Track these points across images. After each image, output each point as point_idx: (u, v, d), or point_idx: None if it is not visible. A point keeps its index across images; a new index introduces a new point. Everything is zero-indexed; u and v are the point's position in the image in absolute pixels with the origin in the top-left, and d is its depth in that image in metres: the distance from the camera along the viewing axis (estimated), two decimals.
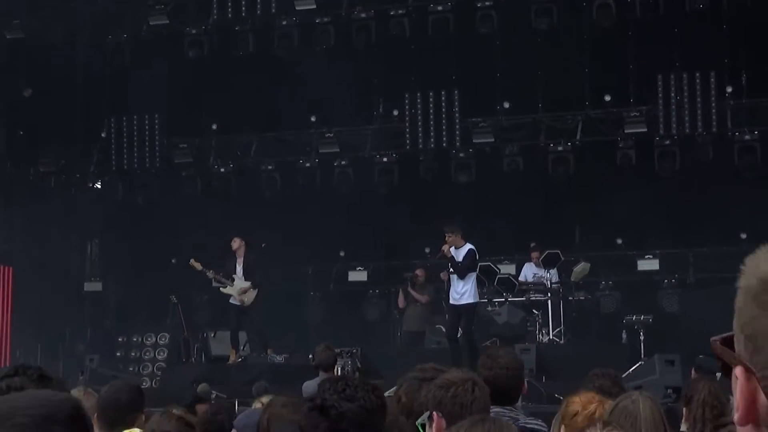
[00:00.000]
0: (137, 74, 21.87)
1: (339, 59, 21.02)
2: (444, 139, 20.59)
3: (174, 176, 22.57)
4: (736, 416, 1.66)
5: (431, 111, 20.60)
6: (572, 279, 19.22)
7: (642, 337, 17.48)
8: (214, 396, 14.30)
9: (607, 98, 20.46)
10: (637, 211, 19.86)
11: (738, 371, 1.65)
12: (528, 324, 18.54)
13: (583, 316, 19.32)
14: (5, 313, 21.68)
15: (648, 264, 20.17)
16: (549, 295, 18.63)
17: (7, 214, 22.51)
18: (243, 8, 21.35)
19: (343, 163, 21.38)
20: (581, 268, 19.11)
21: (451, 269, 16.09)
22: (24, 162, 23.05)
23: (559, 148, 20.47)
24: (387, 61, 21.55)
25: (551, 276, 18.79)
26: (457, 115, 20.55)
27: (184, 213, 22.09)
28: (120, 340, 21.90)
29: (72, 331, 22.72)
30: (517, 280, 19.08)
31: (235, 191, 22.02)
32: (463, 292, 15.88)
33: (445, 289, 18.11)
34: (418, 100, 20.67)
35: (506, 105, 20.87)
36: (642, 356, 16.38)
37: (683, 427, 6.30)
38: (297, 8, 21.11)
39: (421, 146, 20.76)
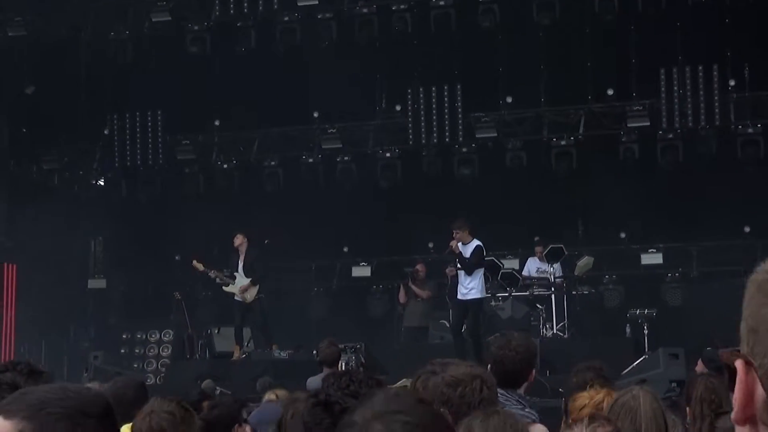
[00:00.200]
0: (140, 71, 21.88)
1: (341, 55, 21.02)
2: (447, 134, 20.59)
3: (177, 173, 22.59)
4: (733, 414, 1.64)
5: (434, 106, 20.61)
6: (576, 273, 19.20)
7: (646, 331, 17.47)
8: (218, 392, 14.32)
9: (610, 92, 20.46)
10: (640, 205, 19.85)
11: (738, 365, 1.64)
12: (532, 318, 18.53)
13: (586, 311, 19.31)
14: (9, 310, 21.70)
15: (651, 258, 20.16)
16: (553, 289, 18.62)
17: (11, 211, 22.50)
18: (245, 4, 21.36)
19: (346, 158, 21.39)
20: (585, 262, 19.10)
21: (459, 265, 16.08)
22: (27, 159, 23.07)
23: (562, 143, 20.48)
24: (389, 57, 21.55)
25: (555, 270, 18.77)
26: (459, 109, 20.55)
27: (187, 209, 22.09)
28: (124, 336, 21.91)
29: (76, 328, 22.75)
30: (521, 274, 19.07)
31: (238, 187, 22.04)
32: (470, 287, 15.88)
33: (448, 284, 18.13)
34: (421, 95, 20.67)
35: (509, 99, 20.86)
36: (646, 350, 16.36)
37: (691, 427, 6.29)
38: (299, 4, 21.13)
39: (424, 141, 20.77)
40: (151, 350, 21.64)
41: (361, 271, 21.56)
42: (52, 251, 21.60)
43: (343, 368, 13.74)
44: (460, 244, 15.86)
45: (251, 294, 18.31)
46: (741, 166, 19.51)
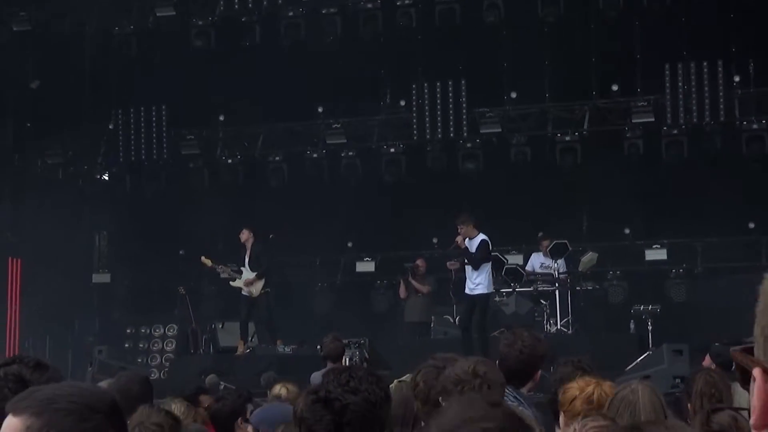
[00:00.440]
0: (144, 66, 21.90)
1: (346, 50, 21.01)
2: (451, 129, 20.58)
3: (181, 168, 22.59)
4: (752, 420, 1.65)
5: (438, 101, 20.59)
6: (580, 269, 19.20)
7: (650, 327, 17.47)
8: (222, 387, 14.33)
9: (615, 88, 20.44)
10: (644, 200, 19.86)
11: (756, 372, 1.65)
12: (536, 314, 18.53)
13: (590, 306, 19.31)
14: (14, 305, 21.73)
15: (656, 254, 20.15)
16: (557, 285, 18.62)
17: (16, 206, 22.53)
18: None
19: (350, 153, 21.39)
20: (589, 258, 19.09)
21: (466, 260, 16.06)
22: (32, 154, 23.08)
23: (567, 138, 20.46)
24: (394, 52, 21.54)
25: (559, 266, 18.78)
26: (464, 105, 20.53)
27: (191, 204, 22.11)
28: (128, 331, 21.96)
29: (81, 323, 22.77)
30: (525, 270, 19.07)
31: (242, 182, 22.04)
32: (477, 282, 15.87)
33: (452, 279, 18.13)
34: (426, 91, 20.66)
35: (513, 95, 20.85)
36: (650, 346, 16.37)
37: (691, 422, 6.29)
38: None
39: (428, 136, 20.75)
40: (156, 345, 21.69)
41: (366, 266, 21.56)
42: (57, 246, 21.62)
43: (347, 363, 13.76)
44: (466, 239, 15.86)
45: (257, 288, 18.34)
46: (746, 162, 19.49)
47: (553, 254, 18.76)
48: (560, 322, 18.26)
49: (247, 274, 18.39)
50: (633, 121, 19.99)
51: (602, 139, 20.51)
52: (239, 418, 6.90)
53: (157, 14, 21.73)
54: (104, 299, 23.35)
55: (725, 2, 19.77)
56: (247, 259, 18.43)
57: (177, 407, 6.55)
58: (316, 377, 10.80)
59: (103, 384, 6.36)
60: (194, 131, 22.26)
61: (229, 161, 22.22)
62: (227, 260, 19.01)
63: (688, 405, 6.69)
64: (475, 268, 15.85)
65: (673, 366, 13.34)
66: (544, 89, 20.84)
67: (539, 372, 5.97)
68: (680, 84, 19.47)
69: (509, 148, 20.80)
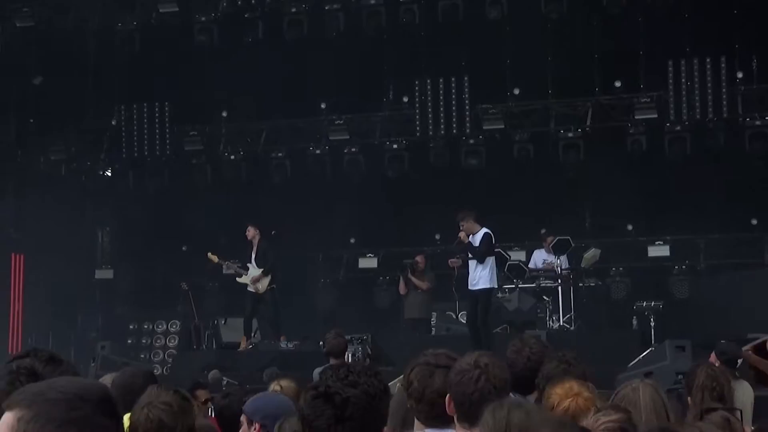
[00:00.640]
0: (147, 62, 21.90)
1: (349, 46, 21.02)
2: (454, 125, 20.58)
3: (184, 164, 22.61)
4: None
5: (441, 97, 20.59)
6: (582, 265, 19.20)
7: (652, 324, 17.47)
8: (225, 383, 14.35)
9: (618, 84, 20.42)
10: (647, 197, 19.85)
11: None
12: (538, 310, 18.54)
13: (593, 303, 19.30)
14: (17, 301, 21.77)
15: (658, 250, 20.15)
16: (559, 281, 18.61)
17: (19, 202, 22.55)
18: None
19: (353, 150, 21.40)
20: (591, 254, 19.09)
21: (470, 255, 16.05)
22: (35, 150, 23.11)
23: (570, 135, 20.45)
24: (397, 48, 21.53)
25: (561, 262, 18.77)
26: (467, 101, 20.53)
27: (194, 200, 22.14)
28: (131, 327, 21.99)
29: (83, 318, 22.79)
30: (528, 266, 19.07)
31: (245, 178, 22.05)
32: (479, 277, 15.85)
33: (455, 275, 18.13)
34: (428, 87, 20.65)
35: (516, 91, 20.84)
36: (652, 342, 16.36)
37: (689, 415, 6.30)
38: None
39: (431, 133, 20.75)
40: (158, 341, 21.71)
41: (368, 262, 21.58)
42: (60, 241, 21.66)
43: (350, 359, 13.77)
44: (469, 235, 15.85)
45: (263, 285, 18.37)
46: (748, 159, 19.48)
47: (556, 250, 18.75)
48: (562, 318, 18.26)
49: (254, 270, 18.41)
50: (636, 117, 19.98)
51: (605, 136, 20.50)
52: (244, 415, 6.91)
53: (160, 10, 21.74)
54: (107, 295, 23.39)
55: None
56: (253, 256, 18.46)
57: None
58: (318, 373, 10.81)
59: (107, 378, 6.37)
60: (197, 127, 22.27)
61: (232, 157, 22.24)
62: (230, 256, 19.03)
63: (688, 399, 6.70)
64: (481, 261, 15.82)
65: (676, 362, 13.33)
66: (546, 85, 20.84)
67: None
68: (683, 80, 19.46)
69: (512, 144, 20.79)
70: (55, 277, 22.10)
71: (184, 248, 22.67)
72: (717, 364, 9.78)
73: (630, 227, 20.73)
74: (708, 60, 19.30)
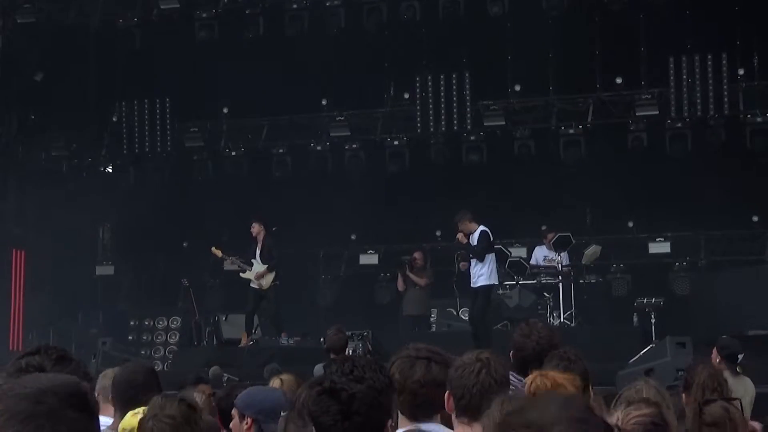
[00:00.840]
0: (148, 58, 21.89)
1: (350, 42, 21.01)
2: (455, 122, 20.57)
3: (185, 160, 22.61)
4: None
5: (442, 94, 20.59)
6: (583, 262, 19.20)
7: (653, 320, 17.45)
8: (226, 379, 14.35)
9: (619, 81, 20.41)
10: (648, 193, 19.84)
11: None
12: (539, 307, 18.53)
13: (594, 299, 19.30)
14: (18, 297, 21.77)
15: (659, 247, 20.15)
16: (560, 278, 18.62)
17: (20, 198, 22.56)
18: None
19: (354, 146, 21.40)
20: (592, 250, 19.09)
21: (471, 254, 16.13)
22: (36, 146, 23.11)
23: (570, 131, 20.45)
24: (398, 44, 21.52)
25: (562, 259, 18.78)
26: (468, 98, 20.53)
27: (195, 197, 22.14)
28: (132, 323, 21.99)
29: (84, 315, 22.79)
30: (528, 263, 19.08)
31: (246, 175, 22.05)
32: (480, 274, 15.96)
33: (455, 272, 18.14)
34: (429, 83, 20.65)
35: (517, 88, 20.83)
36: (653, 339, 16.35)
37: (688, 411, 6.29)
38: None
39: (432, 129, 20.75)
40: (159, 337, 21.72)
41: (369, 258, 21.59)
42: (61, 238, 21.67)
43: (350, 355, 13.76)
44: (469, 235, 15.95)
45: (267, 280, 18.35)
46: (750, 156, 19.48)
47: (557, 247, 18.75)
48: (563, 315, 18.26)
49: (258, 266, 18.38)
50: (637, 114, 19.98)
51: (606, 132, 20.51)
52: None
53: (161, 6, 21.72)
54: (108, 291, 23.39)
55: None
56: (258, 252, 18.43)
57: (199, 396, 6.55)
58: (319, 369, 10.83)
59: (108, 371, 6.38)
60: (198, 123, 22.27)
61: (233, 154, 22.24)
62: (230, 252, 19.00)
63: (683, 396, 6.70)
64: (481, 260, 15.91)
65: (676, 359, 13.34)
66: (548, 82, 20.83)
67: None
68: (684, 77, 19.44)
69: (513, 140, 20.80)
70: (56, 273, 22.12)
71: (185, 244, 22.68)
72: (718, 360, 9.80)
73: (631, 224, 20.73)
74: (709, 56, 19.28)
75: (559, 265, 18.68)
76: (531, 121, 20.88)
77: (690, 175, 19.41)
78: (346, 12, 21.29)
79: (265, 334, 19.17)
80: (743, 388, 9.62)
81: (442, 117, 20.60)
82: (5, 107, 22.65)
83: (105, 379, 6.13)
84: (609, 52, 20.37)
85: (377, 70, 21.55)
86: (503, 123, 20.68)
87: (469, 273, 16.33)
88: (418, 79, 20.80)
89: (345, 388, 3.27)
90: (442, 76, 20.59)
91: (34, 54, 22.33)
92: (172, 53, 21.55)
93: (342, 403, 3.26)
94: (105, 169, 24.06)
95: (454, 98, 20.52)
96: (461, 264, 17.50)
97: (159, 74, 21.68)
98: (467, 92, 20.51)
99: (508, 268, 18.53)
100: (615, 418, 4.29)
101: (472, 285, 16.18)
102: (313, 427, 3.33)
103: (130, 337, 21.65)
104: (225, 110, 22.38)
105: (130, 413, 5.27)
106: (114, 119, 22.64)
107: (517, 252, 19.70)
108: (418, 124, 20.82)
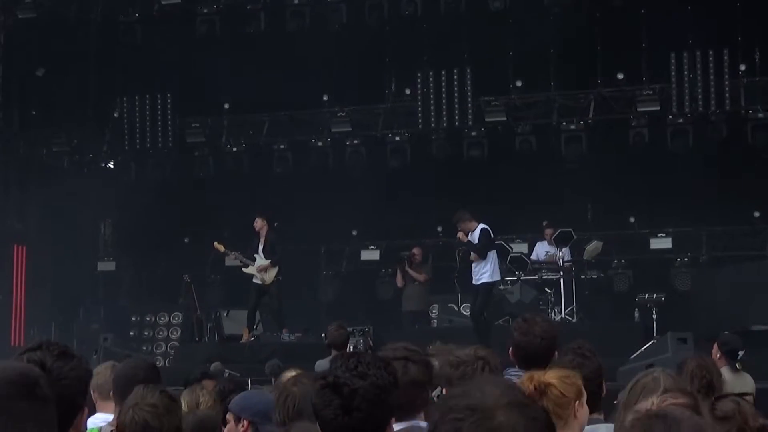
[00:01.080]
0: (149, 53, 21.87)
1: (351, 38, 21.00)
2: (456, 117, 20.56)
3: (186, 156, 22.61)
4: None
5: (443, 89, 20.57)
6: (584, 257, 19.22)
7: (654, 316, 17.47)
8: (227, 374, 14.36)
9: (620, 76, 20.39)
10: (649, 189, 19.84)
11: None
12: (540, 302, 18.55)
13: (595, 295, 19.32)
14: (20, 292, 21.78)
15: (660, 242, 20.15)
16: (561, 273, 18.64)
17: (21, 194, 22.55)
18: None
19: (355, 142, 21.40)
20: (594, 246, 19.10)
21: (472, 253, 16.16)
22: (37, 142, 23.09)
23: (572, 127, 20.45)
24: (399, 40, 21.50)
25: (563, 254, 18.79)
26: (469, 93, 20.52)
27: (196, 192, 22.14)
28: (133, 319, 22.00)
29: (85, 311, 22.82)
30: (530, 258, 19.09)
31: (247, 170, 22.05)
32: (482, 272, 16.00)
33: (456, 268, 18.16)
34: (431, 79, 20.63)
35: (518, 83, 20.81)
36: (654, 334, 16.37)
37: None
38: None
39: (433, 125, 20.74)
40: (160, 333, 21.73)
41: (370, 254, 21.59)
42: (62, 233, 21.68)
43: (352, 351, 13.77)
44: (468, 233, 16.00)
45: (270, 275, 18.35)
46: (751, 151, 19.48)
47: (558, 243, 18.77)
48: (565, 310, 18.28)
49: (261, 261, 18.38)
50: (638, 109, 19.97)
51: (607, 128, 20.50)
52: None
53: (162, 2, 21.71)
54: (109, 287, 23.40)
55: None
56: (261, 247, 18.42)
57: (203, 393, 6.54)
58: (321, 365, 10.83)
59: (107, 364, 6.38)
60: (199, 119, 22.26)
61: (234, 149, 22.24)
62: (233, 248, 19.01)
63: None
64: (483, 257, 15.96)
65: (678, 354, 13.32)
66: (549, 78, 20.82)
67: (556, 354, 5.95)
68: (686, 73, 19.43)
69: (514, 136, 20.80)
70: (58, 269, 22.12)
71: (186, 240, 22.68)
72: (718, 356, 9.80)
73: (632, 219, 20.73)
74: (710, 52, 19.27)
75: (561, 261, 18.69)
76: (532, 116, 20.88)
77: (691, 171, 19.42)
78: (348, 7, 21.28)
79: (266, 329, 19.19)
80: (743, 384, 9.62)
81: (444, 112, 20.59)
82: (7, 102, 22.65)
83: (98, 377, 6.10)
84: (610, 48, 20.34)
85: (378, 65, 21.54)
86: (504, 119, 20.67)
87: (471, 270, 16.36)
88: (419, 74, 20.79)
89: (347, 383, 3.28)
90: (443, 72, 20.58)
91: (35, 50, 22.31)
92: (174, 49, 21.53)
93: (343, 398, 3.27)
94: (106, 164, 24.07)
95: (456, 94, 20.51)
96: (471, 257, 17.49)
97: (160, 70, 21.68)
98: (468, 88, 20.50)
99: (509, 263, 18.55)
100: (650, 402, 4.28)
101: (474, 282, 16.20)
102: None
103: (131, 333, 21.67)
104: (226, 106, 22.36)
105: None
106: (115, 115, 22.62)
107: (519, 247, 19.71)
108: (420, 120, 20.81)
